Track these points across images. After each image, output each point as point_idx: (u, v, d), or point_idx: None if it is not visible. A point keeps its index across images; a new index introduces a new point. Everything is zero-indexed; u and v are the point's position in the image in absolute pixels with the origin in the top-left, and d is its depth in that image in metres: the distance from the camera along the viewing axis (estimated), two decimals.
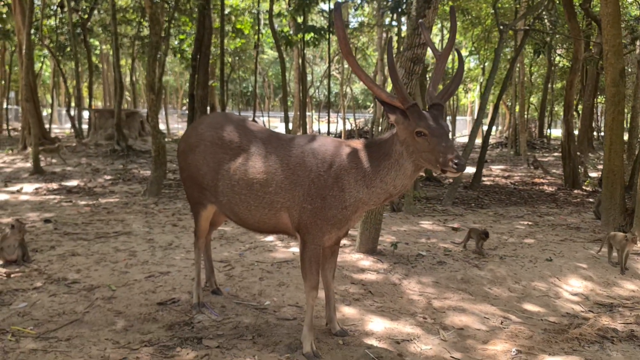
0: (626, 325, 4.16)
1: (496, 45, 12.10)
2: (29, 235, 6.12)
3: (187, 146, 3.99)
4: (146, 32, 20.51)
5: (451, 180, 10.87)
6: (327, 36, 17.28)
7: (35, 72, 19.37)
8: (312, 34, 15.92)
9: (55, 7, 20.66)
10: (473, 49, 24.31)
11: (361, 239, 5.94)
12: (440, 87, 3.56)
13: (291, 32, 18.22)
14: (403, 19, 14.56)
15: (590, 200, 10.61)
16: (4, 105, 26.02)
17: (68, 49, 21.70)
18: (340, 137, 24.96)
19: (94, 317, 3.98)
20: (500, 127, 39.12)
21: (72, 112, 21.91)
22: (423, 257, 5.88)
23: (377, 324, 4.05)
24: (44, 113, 23.67)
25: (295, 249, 5.92)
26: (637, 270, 5.73)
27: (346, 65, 26.47)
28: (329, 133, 24.66)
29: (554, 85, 26.94)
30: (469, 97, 38.75)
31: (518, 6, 16.85)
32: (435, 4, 5.38)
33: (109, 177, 11.95)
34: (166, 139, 13.16)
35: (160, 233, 6.70)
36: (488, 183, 13.31)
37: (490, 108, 23.42)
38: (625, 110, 14.15)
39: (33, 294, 4.41)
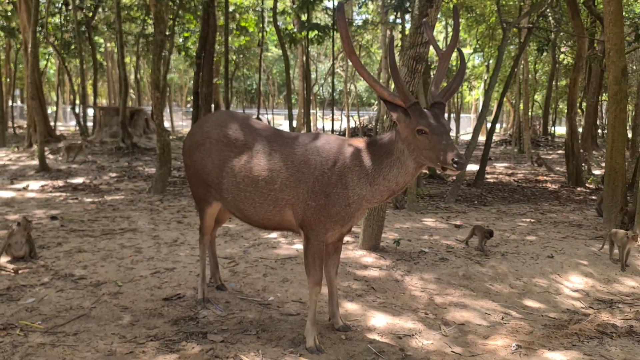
0: (625, 321, 4.19)
1: (500, 43, 12.10)
2: (35, 232, 6.20)
3: (192, 144, 4.04)
4: (151, 29, 20.55)
5: (454, 178, 10.90)
6: (331, 34, 17.31)
7: (40, 70, 19.41)
8: (316, 32, 15.91)
9: (60, 5, 20.70)
10: (477, 46, 24.28)
11: (364, 235, 5.99)
12: (444, 84, 3.60)
13: (295, 30, 18.23)
14: (407, 16, 14.54)
15: (593, 197, 10.63)
16: (10, 103, 26.13)
17: (73, 46, 21.79)
18: (344, 134, 25.00)
19: (100, 312, 4.05)
20: (504, 125, 39.05)
21: (77, 110, 22.03)
22: (425, 253, 5.92)
23: (380, 320, 4.10)
24: (49, 111, 23.71)
25: (298, 245, 5.98)
26: (637, 267, 5.77)
27: (350, 63, 26.43)
28: (333, 131, 24.67)
29: (558, 83, 26.84)
30: (474, 94, 38.65)
31: (522, 4, 16.82)
32: (437, 2, 5.39)
33: (114, 175, 12.03)
34: (171, 137, 13.23)
35: (166, 230, 6.77)
36: (491, 180, 13.33)
37: (494, 105, 23.43)
38: (630, 108, 14.18)
39: (41, 289, 4.48)
